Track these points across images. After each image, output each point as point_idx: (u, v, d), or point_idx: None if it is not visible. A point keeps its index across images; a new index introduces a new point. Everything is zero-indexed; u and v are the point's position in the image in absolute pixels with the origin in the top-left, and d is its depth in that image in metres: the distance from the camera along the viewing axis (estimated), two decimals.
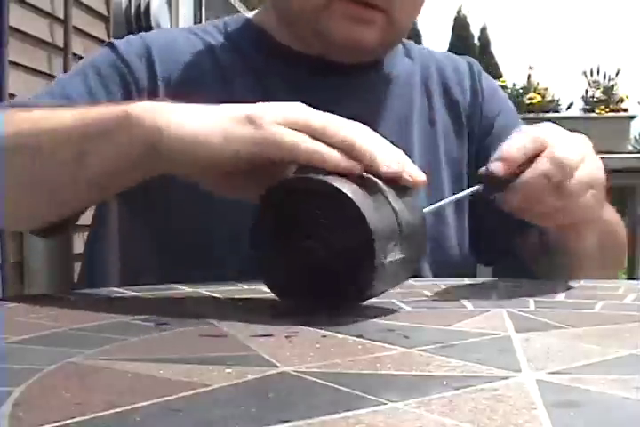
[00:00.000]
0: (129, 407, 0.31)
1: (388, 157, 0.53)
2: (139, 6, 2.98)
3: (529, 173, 0.62)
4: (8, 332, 0.46)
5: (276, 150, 0.53)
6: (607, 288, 0.70)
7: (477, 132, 0.98)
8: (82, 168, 0.61)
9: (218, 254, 0.81)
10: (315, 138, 0.53)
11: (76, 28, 2.49)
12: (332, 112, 0.56)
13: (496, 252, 0.98)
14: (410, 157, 0.56)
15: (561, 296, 0.64)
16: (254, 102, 0.86)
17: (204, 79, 0.89)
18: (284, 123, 0.54)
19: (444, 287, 0.68)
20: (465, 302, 0.60)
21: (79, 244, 1.03)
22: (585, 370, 0.38)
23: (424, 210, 0.56)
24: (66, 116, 0.63)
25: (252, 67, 0.90)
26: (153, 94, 0.85)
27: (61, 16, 2.44)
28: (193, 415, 0.30)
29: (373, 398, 0.32)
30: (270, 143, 0.53)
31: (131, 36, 0.92)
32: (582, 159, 0.65)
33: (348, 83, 0.91)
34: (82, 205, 0.71)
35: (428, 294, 0.64)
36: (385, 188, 0.52)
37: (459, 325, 0.50)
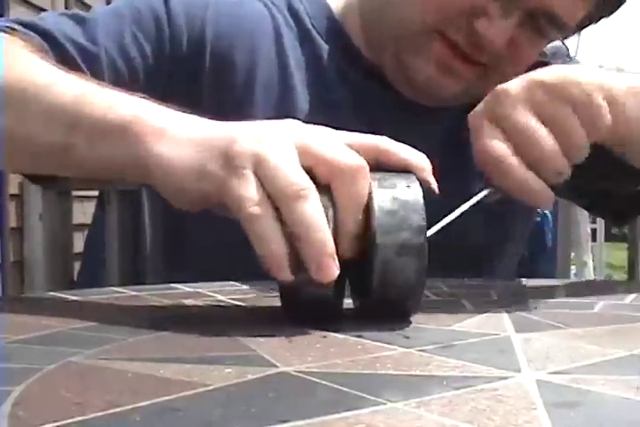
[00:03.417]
0: (129, 407, 0.31)
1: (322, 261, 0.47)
2: None
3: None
4: (8, 332, 0.46)
5: (231, 209, 0.49)
6: (607, 288, 0.71)
7: None
8: (66, 156, 0.59)
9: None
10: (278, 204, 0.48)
11: None
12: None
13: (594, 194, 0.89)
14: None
15: (561, 296, 0.64)
16: (310, 101, 0.81)
17: (260, 59, 0.83)
18: (258, 165, 0.49)
19: (444, 287, 0.68)
20: (465, 302, 0.60)
21: (79, 243, 1.03)
22: (585, 370, 0.38)
23: (428, 232, 0.52)
24: (67, 94, 0.60)
25: (319, 62, 0.84)
26: (194, 56, 0.80)
27: None
28: (193, 415, 0.30)
29: (373, 398, 0.32)
30: (230, 201, 0.49)
31: None
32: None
33: (409, 118, 0.84)
34: (68, 175, 0.67)
35: (428, 293, 0.64)
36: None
37: (459, 325, 0.50)
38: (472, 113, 0.59)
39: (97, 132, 0.57)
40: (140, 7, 0.81)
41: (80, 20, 0.79)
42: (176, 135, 0.54)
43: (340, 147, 0.50)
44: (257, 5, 0.86)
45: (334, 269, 0.46)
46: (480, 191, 0.58)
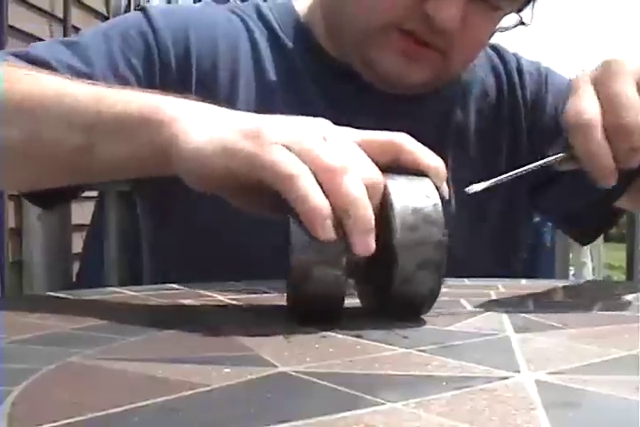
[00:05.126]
0: (128, 407, 0.31)
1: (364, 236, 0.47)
2: (138, 6, 2.98)
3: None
4: (8, 332, 0.46)
5: (269, 178, 0.48)
6: (607, 288, 0.71)
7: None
8: (89, 157, 0.59)
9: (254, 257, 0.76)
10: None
11: (75, 28, 2.49)
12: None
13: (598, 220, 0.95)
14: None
15: (560, 296, 0.64)
16: (286, 102, 0.82)
17: (239, 68, 0.84)
18: (290, 145, 0.49)
19: (444, 287, 0.68)
20: (465, 302, 0.60)
21: (78, 244, 1.03)
22: (584, 370, 0.38)
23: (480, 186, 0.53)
24: (83, 96, 0.61)
25: (292, 66, 0.86)
26: (182, 73, 0.82)
27: (60, 15, 2.44)
28: (193, 415, 0.30)
29: (372, 398, 0.32)
30: (266, 167, 0.48)
31: (169, 7, 0.86)
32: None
33: (386, 109, 0.85)
34: (85, 182, 0.68)
35: None
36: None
37: (458, 325, 0.50)
38: (579, 74, 0.58)
39: (119, 126, 0.57)
40: (125, 26, 0.83)
41: (71, 45, 0.80)
42: (202, 118, 0.55)
43: (362, 159, 0.50)
44: (229, 14, 0.88)
45: (373, 246, 0.47)
46: (554, 154, 0.57)
